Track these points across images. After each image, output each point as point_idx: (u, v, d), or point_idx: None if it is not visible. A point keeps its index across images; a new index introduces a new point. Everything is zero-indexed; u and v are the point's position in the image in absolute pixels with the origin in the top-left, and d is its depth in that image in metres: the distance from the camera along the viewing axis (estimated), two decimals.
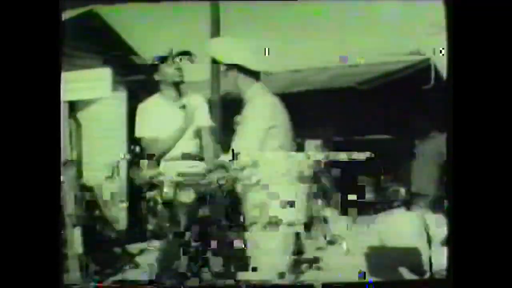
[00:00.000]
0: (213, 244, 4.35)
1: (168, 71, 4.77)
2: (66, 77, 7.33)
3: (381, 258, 5.43)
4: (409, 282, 4.09)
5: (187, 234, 4.46)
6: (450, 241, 3.85)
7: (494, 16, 3.85)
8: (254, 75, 4.08)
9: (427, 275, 4.53)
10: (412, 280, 4.11)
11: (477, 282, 3.80)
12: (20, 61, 3.72)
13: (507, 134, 3.82)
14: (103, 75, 7.78)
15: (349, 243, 6.01)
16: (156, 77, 4.80)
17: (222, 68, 4.14)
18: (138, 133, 4.71)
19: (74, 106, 8.11)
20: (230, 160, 4.18)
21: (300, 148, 4.51)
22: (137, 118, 4.73)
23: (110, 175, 5.01)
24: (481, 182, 3.82)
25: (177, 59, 4.76)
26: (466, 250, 3.81)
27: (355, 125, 10.24)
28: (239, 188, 4.11)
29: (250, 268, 3.96)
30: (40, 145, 3.71)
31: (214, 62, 4.13)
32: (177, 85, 4.78)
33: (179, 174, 4.51)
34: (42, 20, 3.75)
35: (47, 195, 3.70)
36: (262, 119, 3.97)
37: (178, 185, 4.55)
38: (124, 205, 4.67)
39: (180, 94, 4.80)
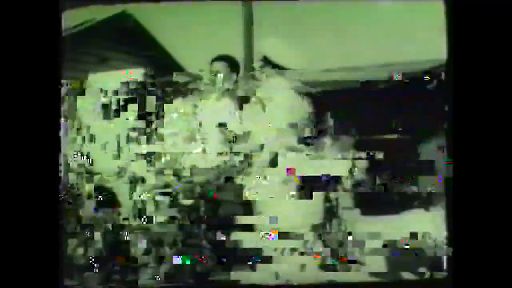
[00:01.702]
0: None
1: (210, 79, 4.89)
2: (99, 78, 7.49)
3: (401, 258, 5.40)
4: (409, 282, 4.08)
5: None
6: (450, 241, 3.85)
7: (496, 16, 3.83)
8: (282, 71, 4.14)
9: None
10: (412, 280, 4.10)
11: (477, 282, 3.78)
12: (20, 61, 3.82)
13: (507, 134, 3.80)
14: (136, 75, 7.87)
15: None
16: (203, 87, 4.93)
17: (259, 65, 4.22)
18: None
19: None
20: (241, 161, 4.27)
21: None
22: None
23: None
24: (482, 182, 3.81)
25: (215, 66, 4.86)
26: (466, 250, 3.80)
27: (378, 124, 10.18)
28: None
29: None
30: (40, 145, 3.82)
31: (265, 60, 4.19)
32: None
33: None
34: (42, 20, 3.84)
35: (47, 195, 3.80)
36: (281, 118, 4.02)
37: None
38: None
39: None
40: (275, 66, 4.18)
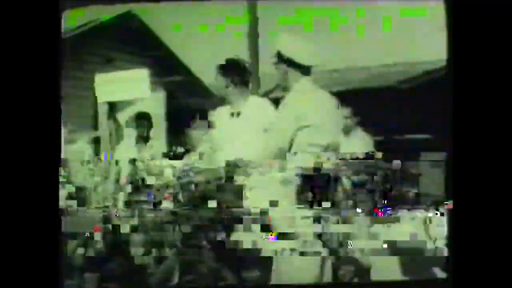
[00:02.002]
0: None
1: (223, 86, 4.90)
2: (104, 78, 7.46)
3: (414, 257, 5.40)
4: (409, 282, 4.07)
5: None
6: (450, 241, 3.84)
7: (496, 16, 3.83)
8: (304, 69, 4.13)
9: None
10: (412, 280, 4.09)
11: (477, 282, 3.78)
12: (20, 61, 3.82)
13: (507, 134, 3.79)
14: (141, 76, 7.82)
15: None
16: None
17: (273, 61, 4.21)
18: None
19: (113, 107, 8.27)
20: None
21: None
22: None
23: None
24: (482, 182, 3.80)
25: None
26: (466, 250, 3.80)
27: (395, 124, 10.16)
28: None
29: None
30: (40, 145, 3.82)
31: (279, 56, 4.18)
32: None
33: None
34: (42, 20, 3.83)
35: (47, 197, 3.80)
36: (294, 119, 4.01)
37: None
38: None
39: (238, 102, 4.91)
40: (290, 62, 4.15)
